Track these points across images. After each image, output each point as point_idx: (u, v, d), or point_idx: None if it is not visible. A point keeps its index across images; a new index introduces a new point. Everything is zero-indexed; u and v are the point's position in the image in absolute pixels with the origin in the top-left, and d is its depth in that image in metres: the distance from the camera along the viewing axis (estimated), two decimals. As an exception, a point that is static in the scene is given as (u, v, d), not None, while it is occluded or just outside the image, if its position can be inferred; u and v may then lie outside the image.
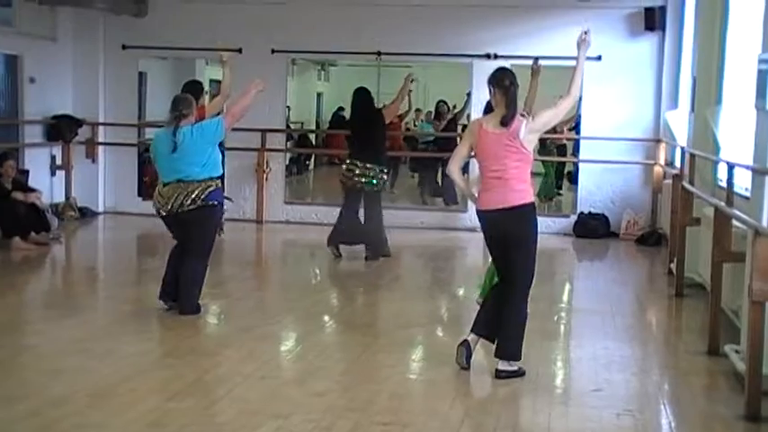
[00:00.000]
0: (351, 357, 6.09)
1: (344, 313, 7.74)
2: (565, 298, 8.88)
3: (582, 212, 12.19)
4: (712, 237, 6.27)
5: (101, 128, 12.92)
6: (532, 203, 5.57)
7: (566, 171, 18.91)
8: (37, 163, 12.09)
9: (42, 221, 10.21)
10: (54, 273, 9.76)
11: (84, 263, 10.31)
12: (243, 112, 7.07)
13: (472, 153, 5.65)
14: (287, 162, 13.76)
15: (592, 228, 11.96)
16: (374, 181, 9.44)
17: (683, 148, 9.28)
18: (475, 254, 11.38)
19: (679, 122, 10.18)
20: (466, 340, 5.62)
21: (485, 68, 12.12)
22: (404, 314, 7.32)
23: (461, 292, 8.80)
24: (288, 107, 14.02)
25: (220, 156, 7.13)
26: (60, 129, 12.41)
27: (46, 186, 11.89)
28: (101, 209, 12.97)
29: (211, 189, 6.81)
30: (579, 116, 15.87)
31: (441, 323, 7.24)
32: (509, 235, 5.48)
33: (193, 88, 8.38)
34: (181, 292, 6.96)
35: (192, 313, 6.92)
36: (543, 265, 10.67)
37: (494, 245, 5.63)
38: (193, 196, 6.74)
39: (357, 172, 9.42)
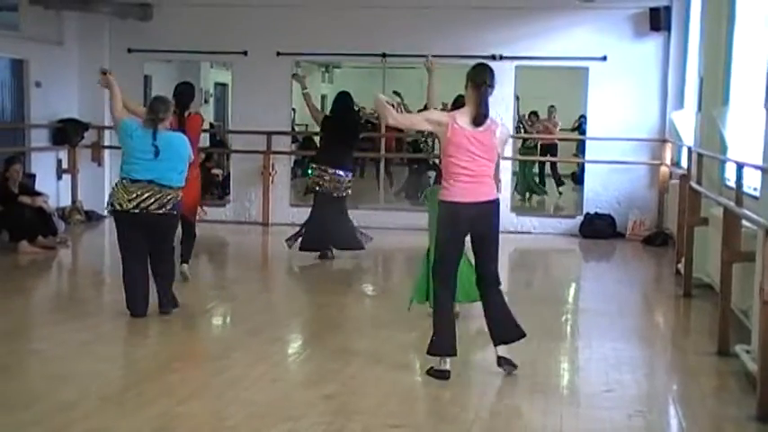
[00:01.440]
0: (359, 360, 6.06)
1: (352, 315, 7.72)
2: (572, 299, 8.85)
3: (588, 213, 12.16)
4: (721, 237, 6.25)
5: (106, 131, 12.90)
6: (499, 199, 5.64)
7: (571, 172, 19.03)
8: (43, 167, 12.11)
9: (49, 225, 10.22)
10: (61, 276, 9.76)
11: (90, 266, 10.30)
12: None
13: (426, 132, 5.55)
14: (292, 164, 13.75)
15: (598, 228, 11.94)
16: (341, 190, 9.52)
17: (689, 148, 9.26)
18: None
19: (685, 122, 10.16)
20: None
21: (490, 70, 12.19)
22: (411, 316, 7.28)
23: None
24: (293, 109, 14.03)
25: None
26: (66, 132, 12.42)
27: (52, 190, 11.90)
28: (107, 212, 12.94)
29: (180, 198, 6.90)
30: (584, 117, 15.92)
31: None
32: (483, 228, 5.49)
33: (186, 91, 8.40)
34: (161, 293, 6.97)
35: (173, 307, 6.98)
36: (550, 265, 10.76)
37: (460, 238, 5.51)
38: (165, 201, 6.76)
39: (326, 178, 9.47)
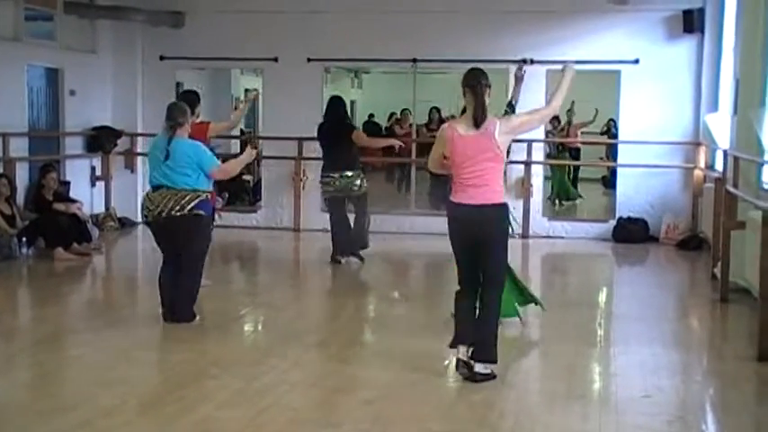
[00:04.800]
0: (396, 366, 6.04)
1: (387, 321, 7.70)
2: (607, 304, 8.79)
3: (621, 217, 12.08)
4: (760, 241, 6.18)
5: (139, 138, 13.04)
6: (506, 204, 5.58)
7: (601, 176, 18.93)
8: (77, 174, 12.24)
9: (83, 232, 10.34)
10: (95, 283, 9.84)
11: (124, 273, 10.37)
12: (229, 175, 7.33)
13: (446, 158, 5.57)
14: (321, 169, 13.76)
15: (631, 232, 11.85)
16: (356, 183, 9.62)
17: (725, 151, 9.18)
18: (515, 262, 11.30)
19: (720, 125, 10.08)
20: (460, 359, 5.56)
21: (521, 74, 12.15)
22: (446, 321, 7.25)
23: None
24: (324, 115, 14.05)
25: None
26: (100, 140, 12.56)
27: (86, 197, 12.02)
28: (139, 219, 13.01)
29: (201, 198, 6.87)
30: (613, 120, 15.83)
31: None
32: (484, 233, 5.46)
33: (189, 98, 8.51)
34: (177, 301, 6.96)
35: (186, 321, 6.94)
36: (583, 270, 10.70)
37: (465, 244, 5.54)
38: (183, 203, 6.79)
39: (336, 184, 9.60)
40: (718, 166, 10.22)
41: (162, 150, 6.83)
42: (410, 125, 16.20)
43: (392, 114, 16.29)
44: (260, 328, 7.42)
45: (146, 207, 6.94)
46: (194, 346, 6.56)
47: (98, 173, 12.75)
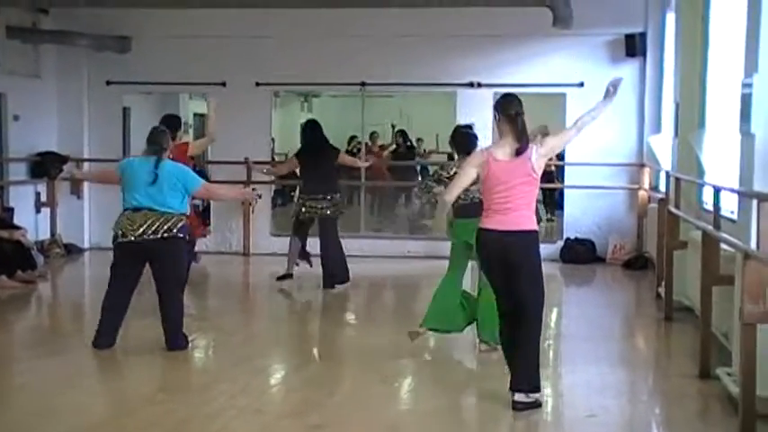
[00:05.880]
0: (344, 390, 6.06)
1: (335, 345, 7.71)
2: (555, 324, 8.85)
3: (568, 238, 12.23)
4: (701, 260, 6.30)
5: (86, 164, 12.88)
6: (537, 231, 5.52)
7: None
8: (22, 200, 12.02)
9: (28, 259, 10.14)
10: (41, 310, 9.68)
11: (70, 300, 10.22)
12: (218, 199, 7.45)
13: (471, 184, 5.60)
14: (272, 194, 13.77)
15: (578, 253, 12.00)
16: (330, 210, 9.58)
17: (667, 173, 9.36)
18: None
19: (662, 147, 10.27)
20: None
21: (469, 97, 12.30)
22: (394, 345, 7.26)
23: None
24: (272, 139, 14.06)
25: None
26: (45, 165, 12.36)
27: (31, 224, 11.82)
28: (86, 245, 12.89)
29: (183, 223, 6.87)
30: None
31: (431, 354, 7.20)
32: (514, 262, 5.38)
33: (171, 123, 8.50)
34: (169, 330, 6.90)
35: (181, 348, 6.88)
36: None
37: (495, 272, 5.51)
38: (168, 225, 6.77)
39: (318, 206, 9.56)
40: (662, 187, 10.41)
41: (149, 173, 6.79)
42: (380, 146, 16.32)
43: (353, 137, 16.28)
44: (209, 353, 7.35)
45: (123, 226, 6.83)
46: (141, 373, 6.50)
47: (43, 199, 12.56)
